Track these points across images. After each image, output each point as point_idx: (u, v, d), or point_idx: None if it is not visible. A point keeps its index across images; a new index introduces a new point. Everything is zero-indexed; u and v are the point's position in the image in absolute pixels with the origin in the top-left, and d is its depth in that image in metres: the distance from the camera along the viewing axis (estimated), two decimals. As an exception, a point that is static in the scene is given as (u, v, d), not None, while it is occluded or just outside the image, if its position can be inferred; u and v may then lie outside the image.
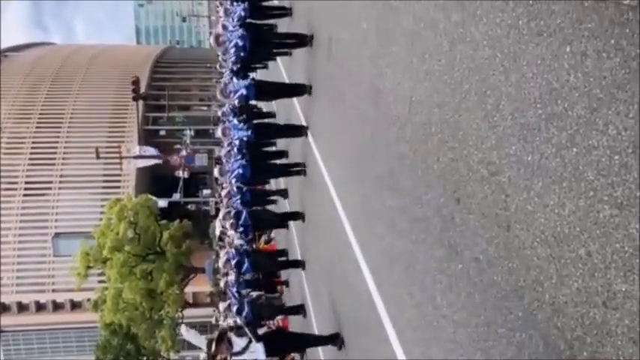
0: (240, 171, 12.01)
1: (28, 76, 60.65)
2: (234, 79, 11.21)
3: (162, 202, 43.15)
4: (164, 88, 59.16)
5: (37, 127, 56.22)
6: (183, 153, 48.14)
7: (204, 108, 62.92)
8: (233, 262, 11.95)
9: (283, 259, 15.04)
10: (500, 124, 3.69)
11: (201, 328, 54.00)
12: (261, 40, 11.71)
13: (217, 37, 11.28)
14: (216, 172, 14.02)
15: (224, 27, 11.32)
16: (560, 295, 3.10)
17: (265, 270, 14.20)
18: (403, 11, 5.59)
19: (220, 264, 13.40)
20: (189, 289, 45.94)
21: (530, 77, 3.32)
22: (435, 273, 4.85)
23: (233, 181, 12.34)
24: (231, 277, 12.02)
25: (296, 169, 12.98)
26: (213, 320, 32.09)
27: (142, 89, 50.49)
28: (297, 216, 13.41)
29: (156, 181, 52.22)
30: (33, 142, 55.40)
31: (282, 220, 14.70)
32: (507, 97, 3.58)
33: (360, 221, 7.76)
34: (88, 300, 45.16)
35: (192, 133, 55.88)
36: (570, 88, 2.96)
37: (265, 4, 14.35)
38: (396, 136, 5.84)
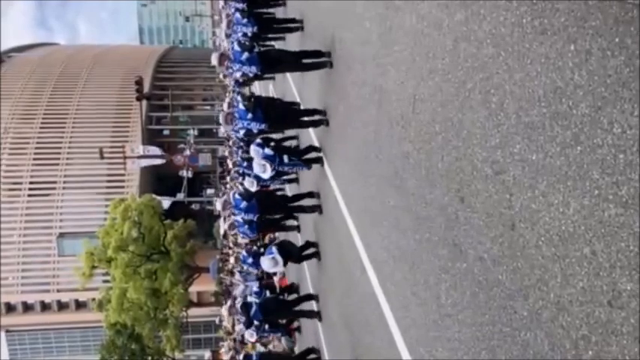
0: (246, 216, 11.10)
1: (31, 76, 60.81)
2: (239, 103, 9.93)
3: (166, 202, 43.21)
4: (167, 87, 59.32)
5: (41, 128, 56.39)
6: (187, 152, 48.24)
7: (208, 107, 63.01)
8: (238, 305, 11.33)
9: (294, 296, 13.99)
10: (504, 122, 3.68)
11: (205, 327, 54.38)
12: (273, 61, 10.19)
13: (221, 57, 10.01)
14: (218, 205, 12.95)
15: (227, 36, 10.65)
16: (565, 294, 3.09)
17: (276, 315, 12.57)
18: (406, 10, 5.58)
19: (224, 311, 12.66)
20: (193, 289, 46.04)
21: (534, 76, 3.31)
22: (440, 272, 4.85)
23: (239, 217, 11.40)
24: (240, 326, 11.36)
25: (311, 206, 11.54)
26: (217, 320, 32.16)
27: (146, 89, 50.58)
28: (312, 209, 11.63)
29: (160, 180, 52.35)
30: (37, 143, 55.56)
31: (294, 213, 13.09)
32: (511, 95, 3.57)
33: (364, 220, 7.75)
34: (93, 300, 45.33)
35: (196, 132, 56.03)
36: (575, 86, 2.95)
37: (270, 10, 13.64)
38: (400, 135, 5.84)
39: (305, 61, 10.20)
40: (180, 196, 47.17)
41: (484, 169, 3.98)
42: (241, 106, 9.68)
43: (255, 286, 12.88)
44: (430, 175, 5.01)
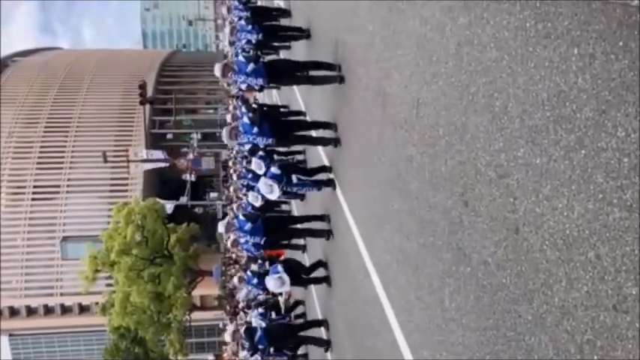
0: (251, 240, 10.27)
1: (35, 80, 61.01)
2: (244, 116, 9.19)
3: (170, 206, 43.25)
4: (171, 91, 59.39)
5: (44, 132, 56.53)
6: (190, 156, 48.27)
7: (211, 111, 63.10)
8: (242, 330, 10.66)
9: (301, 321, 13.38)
10: (508, 126, 3.68)
11: (209, 331, 54.35)
12: (280, 72, 9.41)
13: (225, 68, 9.22)
14: (221, 227, 12.32)
15: (231, 43, 10.30)
16: (570, 299, 3.08)
17: (282, 341, 11.42)
18: (409, 14, 5.58)
19: (228, 337, 11.77)
20: (196, 293, 46.01)
21: (537, 79, 3.31)
22: (443, 276, 4.83)
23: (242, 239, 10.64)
24: (245, 353, 10.46)
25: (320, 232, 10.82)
26: (220, 324, 32.16)
27: (149, 93, 50.62)
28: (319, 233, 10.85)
29: (163, 184, 52.37)
30: (41, 147, 55.70)
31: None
32: (515, 99, 3.57)
33: (367, 223, 7.75)
34: (96, 303, 45.32)
35: (199, 136, 56.06)
36: (578, 90, 2.95)
37: (274, 19, 13.34)
38: (403, 138, 5.83)
39: (313, 73, 9.67)
40: (184, 200, 47.18)
41: (488, 173, 3.98)
42: (246, 120, 9.08)
43: (260, 307, 12.31)
44: (434, 178, 5.00)
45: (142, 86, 43.23)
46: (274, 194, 9.37)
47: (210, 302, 50.84)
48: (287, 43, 13.72)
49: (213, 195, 54.16)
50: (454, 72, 4.47)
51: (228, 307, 32.95)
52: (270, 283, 9.95)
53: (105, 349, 46.42)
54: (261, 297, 12.21)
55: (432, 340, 5.15)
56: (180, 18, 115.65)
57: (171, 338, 42.55)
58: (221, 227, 11.64)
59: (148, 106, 49.92)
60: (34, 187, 54.36)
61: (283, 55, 14.84)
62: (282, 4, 15.71)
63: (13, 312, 55.32)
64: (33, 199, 54.12)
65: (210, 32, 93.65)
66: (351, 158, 8.71)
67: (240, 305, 24.10)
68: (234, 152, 21.73)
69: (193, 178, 47.75)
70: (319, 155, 11.03)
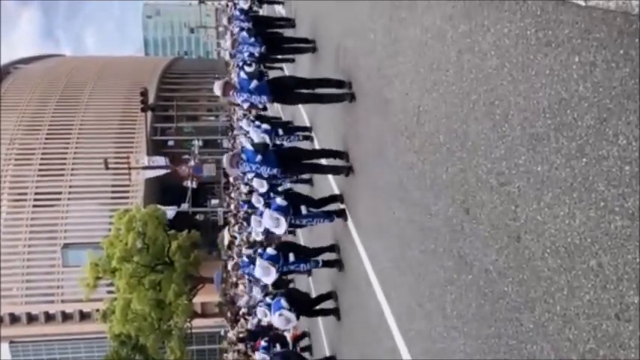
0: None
1: (37, 87, 61.21)
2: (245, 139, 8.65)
3: (171, 212, 43.27)
4: (172, 98, 59.59)
5: (46, 139, 56.67)
6: (192, 163, 48.38)
7: (212, 118, 63.25)
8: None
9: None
10: (509, 134, 3.68)
11: (210, 338, 54.22)
12: (286, 90, 8.80)
13: (225, 85, 8.49)
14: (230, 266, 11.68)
15: (232, 56, 9.96)
16: (572, 307, 3.07)
17: None
18: (410, 22, 5.59)
19: None
20: (197, 300, 45.95)
21: (538, 87, 3.31)
22: (445, 284, 4.82)
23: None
24: None
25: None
26: (222, 332, 32.09)
27: (151, 100, 50.77)
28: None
29: (164, 191, 52.43)
30: (42, 153, 55.83)
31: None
32: (516, 107, 3.57)
33: (368, 231, 7.74)
34: (97, 310, 45.29)
35: (201, 143, 56.25)
36: (579, 98, 2.95)
37: (278, 30, 13.17)
38: (404, 146, 5.83)
39: (320, 91, 9.02)
40: (185, 207, 47.23)
41: (489, 181, 3.97)
42: (249, 146, 8.43)
43: (263, 341, 11.87)
44: (435, 186, 5.00)
45: (144, 93, 43.33)
46: (281, 228, 8.72)
47: (211, 309, 50.74)
48: (291, 56, 13.31)
49: (214, 202, 54.30)
50: (455, 80, 4.48)
51: (229, 314, 32.90)
52: (276, 321, 9.32)
53: (105, 356, 46.31)
54: (263, 342, 11.98)
55: (434, 348, 5.14)
56: (181, 25, 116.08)
57: (172, 345, 42.47)
58: (230, 266, 10.39)
59: (149, 113, 50.04)
60: (36, 193, 54.44)
61: (287, 67, 14.72)
62: (283, 13, 15.65)
63: (14, 319, 55.26)
64: (34, 206, 54.18)
65: (211, 39, 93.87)
66: (352, 165, 8.70)
67: (241, 312, 24.08)
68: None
69: (194, 185, 47.84)
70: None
